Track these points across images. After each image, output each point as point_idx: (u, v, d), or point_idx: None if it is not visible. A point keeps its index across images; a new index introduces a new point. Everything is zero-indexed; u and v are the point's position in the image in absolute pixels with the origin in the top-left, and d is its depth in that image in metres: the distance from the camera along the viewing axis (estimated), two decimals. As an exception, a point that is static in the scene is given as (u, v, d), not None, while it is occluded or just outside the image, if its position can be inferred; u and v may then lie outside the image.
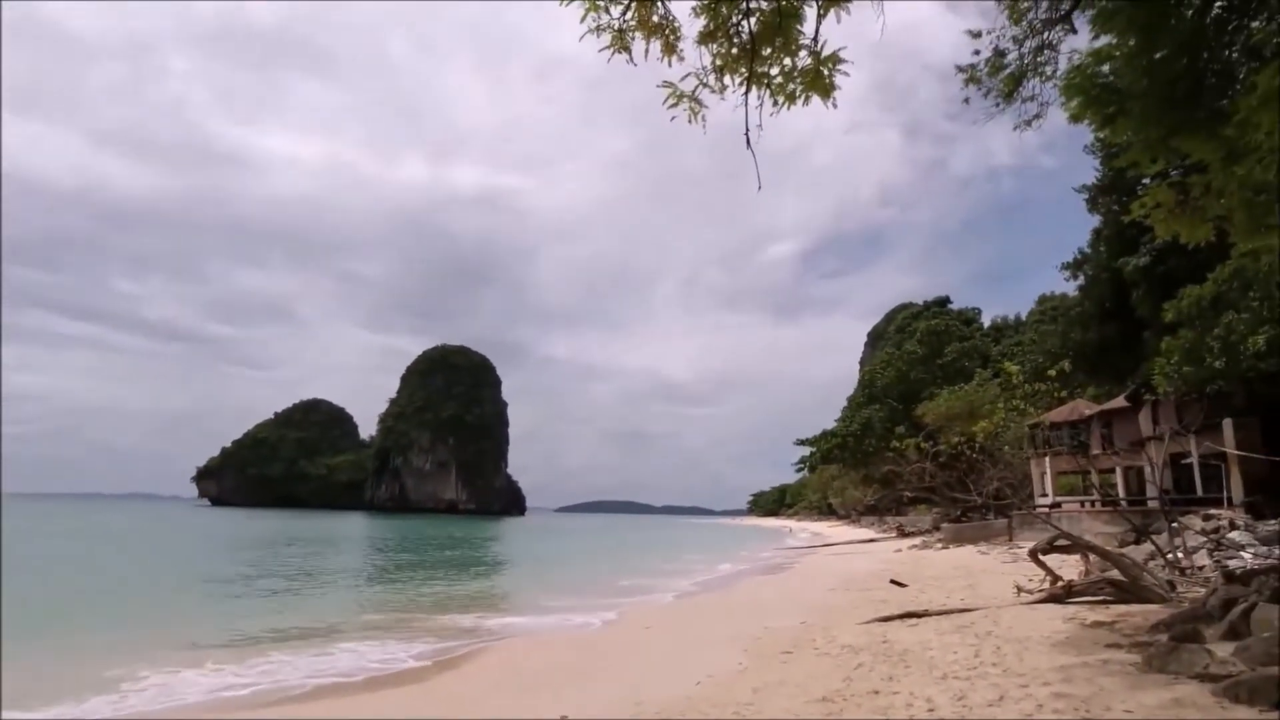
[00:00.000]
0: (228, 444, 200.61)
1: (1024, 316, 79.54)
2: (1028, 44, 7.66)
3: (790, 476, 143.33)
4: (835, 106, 3.93)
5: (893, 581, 18.32)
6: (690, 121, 4.04)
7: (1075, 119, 7.37)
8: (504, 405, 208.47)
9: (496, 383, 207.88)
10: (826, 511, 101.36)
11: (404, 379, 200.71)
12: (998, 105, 8.07)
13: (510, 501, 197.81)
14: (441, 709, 8.47)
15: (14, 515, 76.69)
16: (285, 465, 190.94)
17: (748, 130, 3.92)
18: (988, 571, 19.44)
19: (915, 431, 40.90)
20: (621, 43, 3.83)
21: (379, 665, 11.54)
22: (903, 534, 47.50)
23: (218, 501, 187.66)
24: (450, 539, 56.64)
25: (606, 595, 20.99)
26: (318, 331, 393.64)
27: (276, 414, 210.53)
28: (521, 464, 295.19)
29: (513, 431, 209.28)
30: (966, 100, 8.17)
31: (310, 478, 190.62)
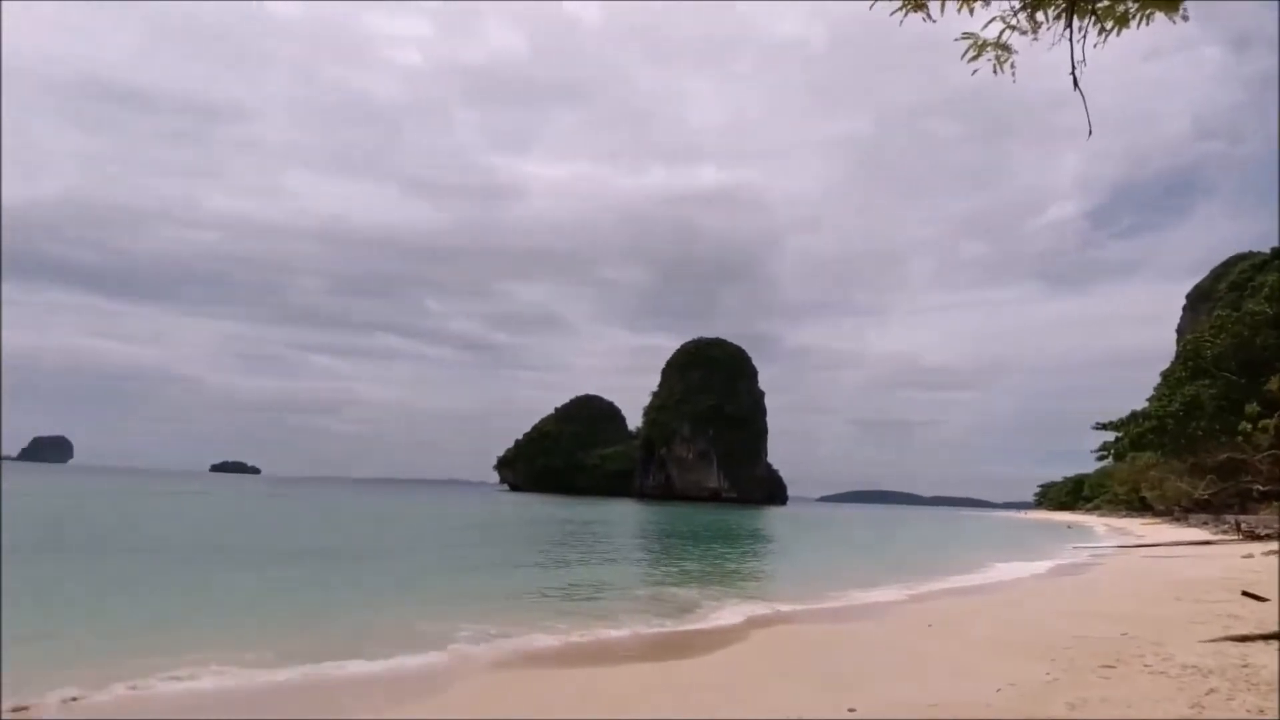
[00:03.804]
0: (519, 437, 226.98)
1: None
2: None
3: (1087, 465, 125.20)
4: (1186, 18, 3.26)
5: (1245, 594, 15.10)
6: (996, 71, 3.60)
7: None
8: (761, 395, 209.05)
9: (753, 373, 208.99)
10: (1139, 507, 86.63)
11: (664, 373, 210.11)
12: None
13: (772, 491, 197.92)
14: (710, 688, 8.68)
15: (383, 498, 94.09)
16: (565, 456, 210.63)
17: (1074, 68, 3.39)
18: (1392, 587, 15.18)
19: (1267, 411, 33.27)
20: (916, 1, 3.53)
21: (651, 639, 12.15)
22: (1250, 536, 38.97)
23: (514, 488, 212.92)
24: (715, 525, 58.30)
25: (880, 588, 20.06)
26: (582, 334, 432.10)
27: (556, 410, 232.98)
28: (781, 453, 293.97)
29: (771, 421, 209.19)
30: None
31: (586, 467, 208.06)
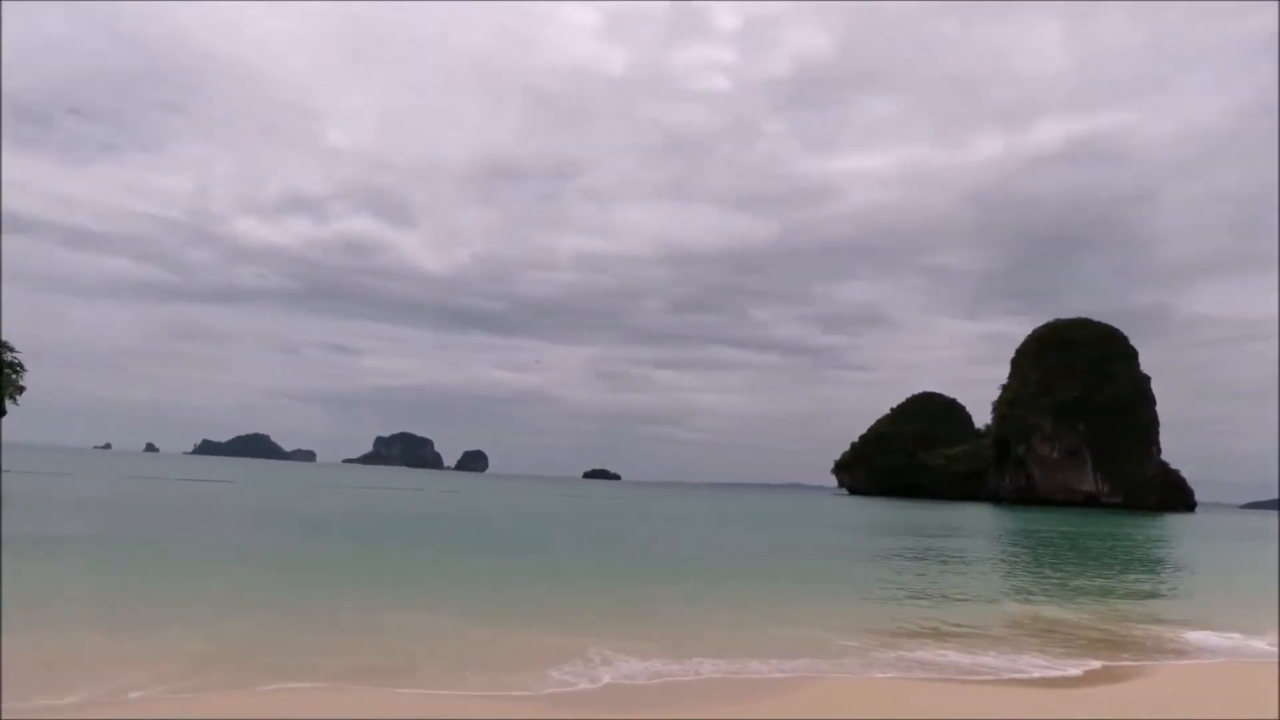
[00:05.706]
0: (855, 439, 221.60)
1: None
2: None
3: None
4: None
5: None
6: None
7: None
8: (1144, 380, 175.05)
9: (1130, 355, 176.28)
10: None
11: (1014, 363, 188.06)
12: None
13: (1169, 494, 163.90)
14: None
15: (731, 502, 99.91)
16: (905, 457, 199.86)
17: None
18: None
19: None
20: None
21: (1044, 667, 11.27)
22: None
23: (853, 491, 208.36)
24: (1100, 535, 50.53)
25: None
26: (913, 329, 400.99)
27: (893, 409, 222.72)
28: (1183, 450, 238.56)
29: (1163, 411, 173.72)
30: None
31: (929, 468, 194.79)
